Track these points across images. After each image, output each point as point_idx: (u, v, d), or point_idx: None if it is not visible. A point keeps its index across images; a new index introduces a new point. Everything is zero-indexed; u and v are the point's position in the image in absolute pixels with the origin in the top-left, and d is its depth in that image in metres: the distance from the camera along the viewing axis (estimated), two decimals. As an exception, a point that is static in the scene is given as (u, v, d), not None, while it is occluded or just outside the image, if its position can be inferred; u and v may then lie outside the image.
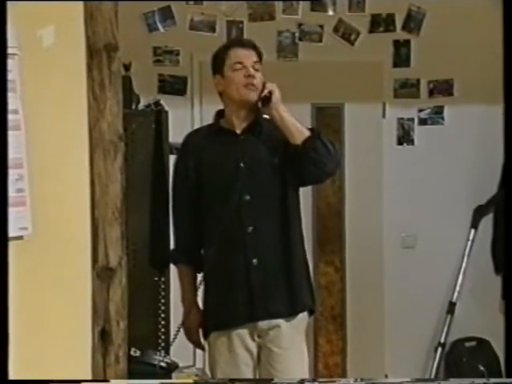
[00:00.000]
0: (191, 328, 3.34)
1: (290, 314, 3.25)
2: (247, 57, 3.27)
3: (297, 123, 3.24)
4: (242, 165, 3.24)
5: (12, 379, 1.96)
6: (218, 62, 3.31)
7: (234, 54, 3.28)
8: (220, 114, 3.36)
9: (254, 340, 3.24)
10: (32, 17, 2.04)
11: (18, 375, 1.98)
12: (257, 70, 3.26)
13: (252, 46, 3.32)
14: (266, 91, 3.22)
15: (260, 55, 3.31)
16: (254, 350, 3.25)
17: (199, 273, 3.36)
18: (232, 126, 3.30)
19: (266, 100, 3.23)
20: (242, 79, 3.24)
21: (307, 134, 3.21)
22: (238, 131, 3.29)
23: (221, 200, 3.24)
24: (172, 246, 3.51)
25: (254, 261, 3.22)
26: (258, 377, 3.28)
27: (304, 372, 3.29)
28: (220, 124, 3.35)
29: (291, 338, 3.25)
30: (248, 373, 3.25)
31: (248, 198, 3.23)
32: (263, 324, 3.23)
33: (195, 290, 3.34)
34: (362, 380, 2.62)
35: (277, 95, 3.22)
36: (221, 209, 3.23)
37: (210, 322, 3.31)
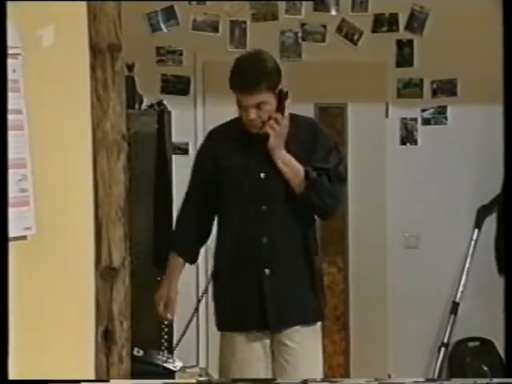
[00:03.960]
0: (159, 303, 3.34)
1: (303, 323, 3.27)
2: (249, 101, 3.15)
3: (294, 170, 3.19)
4: (262, 175, 3.22)
5: (12, 379, 1.96)
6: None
7: (237, 96, 3.18)
8: None
9: (268, 337, 3.27)
10: (32, 17, 2.04)
11: (20, 375, 1.98)
12: (263, 105, 3.14)
13: (255, 88, 3.13)
14: (266, 128, 3.15)
15: (272, 86, 3.15)
16: (268, 344, 3.27)
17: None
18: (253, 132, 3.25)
19: (265, 137, 3.16)
20: (245, 117, 3.18)
21: (302, 187, 3.17)
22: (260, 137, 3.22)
23: (238, 208, 3.22)
24: (173, 230, 3.50)
25: (267, 270, 3.22)
26: (270, 371, 3.30)
27: (318, 370, 3.31)
28: (243, 124, 3.25)
29: (306, 334, 3.27)
30: (261, 368, 3.26)
31: (264, 208, 3.22)
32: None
33: (177, 281, 3.36)
34: (368, 380, 2.62)
35: (272, 141, 3.16)
36: (238, 216, 3.22)
37: (225, 323, 3.32)
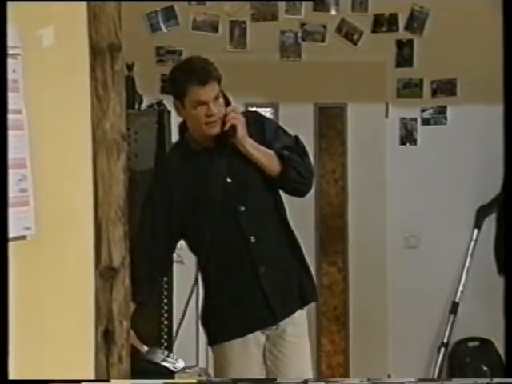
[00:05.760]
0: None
1: (303, 305, 3.32)
2: (208, 94, 3.08)
3: (266, 155, 3.18)
4: (228, 180, 3.18)
5: (12, 379, 1.96)
6: (178, 91, 3.13)
7: (194, 93, 3.08)
8: (184, 127, 3.25)
9: (265, 335, 3.26)
10: (32, 17, 2.04)
11: (20, 375, 1.98)
12: (217, 99, 3.11)
13: (211, 78, 3.09)
14: (228, 125, 3.10)
15: (219, 80, 3.13)
16: (263, 342, 3.26)
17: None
18: (203, 145, 3.21)
19: (231, 133, 3.11)
20: (203, 117, 3.09)
21: (278, 167, 3.17)
22: (211, 146, 3.19)
23: (214, 218, 3.12)
24: (141, 279, 2.99)
25: (262, 269, 3.19)
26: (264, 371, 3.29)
27: (308, 362, 3.34)
28: (189, 143, 3.23)
29: (301, 326, 3.30)
30: (257, 370, 3.25)
31: (243, 208, 3.19)
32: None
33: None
34: (366, 380, 2.62)
35: (240, 131, 3.12)
36: (217, 225, 3.13)
37: (221, 334, 3.27)
